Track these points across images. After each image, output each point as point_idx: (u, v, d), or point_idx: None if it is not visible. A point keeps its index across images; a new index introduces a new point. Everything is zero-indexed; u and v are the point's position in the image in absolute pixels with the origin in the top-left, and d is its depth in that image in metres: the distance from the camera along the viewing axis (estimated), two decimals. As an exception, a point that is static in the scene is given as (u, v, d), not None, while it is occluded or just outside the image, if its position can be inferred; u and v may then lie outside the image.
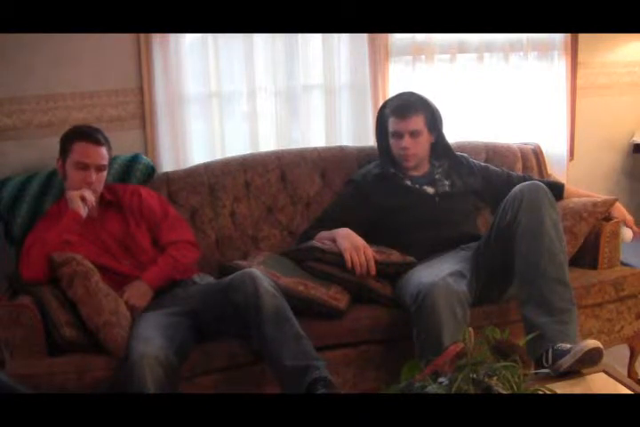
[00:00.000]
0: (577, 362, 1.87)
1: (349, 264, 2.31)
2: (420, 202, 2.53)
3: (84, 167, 2.25)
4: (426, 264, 2.36)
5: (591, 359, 1.88)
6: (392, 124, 2.54)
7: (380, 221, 2.51)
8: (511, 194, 2.24)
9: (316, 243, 2.41)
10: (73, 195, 2.23)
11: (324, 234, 2.47)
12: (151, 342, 1.94)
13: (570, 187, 2.72)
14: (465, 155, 2.74)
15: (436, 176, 2.60)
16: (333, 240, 2.40)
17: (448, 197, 2.56)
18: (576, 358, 1.86)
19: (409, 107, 2.52)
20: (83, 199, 2.23)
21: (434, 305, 2.06)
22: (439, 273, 2.18)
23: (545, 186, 2.25)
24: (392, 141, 2.56)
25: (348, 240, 2.36)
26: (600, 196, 2.64)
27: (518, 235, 2.16)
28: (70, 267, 2.07)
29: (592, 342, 1.89)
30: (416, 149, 2.54)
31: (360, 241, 2.37)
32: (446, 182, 2.60)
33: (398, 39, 2.99)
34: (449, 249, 2.45)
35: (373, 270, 2.32)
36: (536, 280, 2.11)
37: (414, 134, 2.52)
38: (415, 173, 2.60)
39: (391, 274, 2.36)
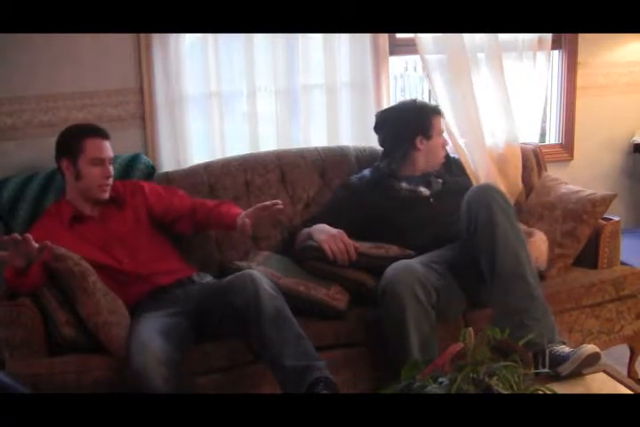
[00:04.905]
0: (576, 368, 1.91)
1: (330, 254, 2.33)
2: (415, 204, 2.53)
3: (101, 162, 2.27)
4: None
5: (590, 364, 1.92)
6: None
7: (375, 224, 2.49)
8: (464, 199, 2.25)
9: (312, 242, 2.41)
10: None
11: (300, 235, 2.49)
12: (150, 344, 1.95)
13: None
14: (456, 157, 2.79)
15: (431, 178, 2.61)
16: (310, 237, 2.41)
17: (442, 195, 2.56)
18: (575, 364, 1.90)
19: None
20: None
21: (394, 287, 2.09)
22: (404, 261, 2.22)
23: (492, 183, 2.29)
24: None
25: (322, 233, 2.39)
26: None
27: (477, 235, 2.17)
28: (65, 263, 2.07)
29: (590, 348, 1.92)
30: None
31: (335, 231, 2.38)
32: (439, 181, 2.61)
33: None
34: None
35: (354, 256, 2.33)
36: (495, 278, 2.11)
37: None
38: (411, 173, 2.61)
39: None
